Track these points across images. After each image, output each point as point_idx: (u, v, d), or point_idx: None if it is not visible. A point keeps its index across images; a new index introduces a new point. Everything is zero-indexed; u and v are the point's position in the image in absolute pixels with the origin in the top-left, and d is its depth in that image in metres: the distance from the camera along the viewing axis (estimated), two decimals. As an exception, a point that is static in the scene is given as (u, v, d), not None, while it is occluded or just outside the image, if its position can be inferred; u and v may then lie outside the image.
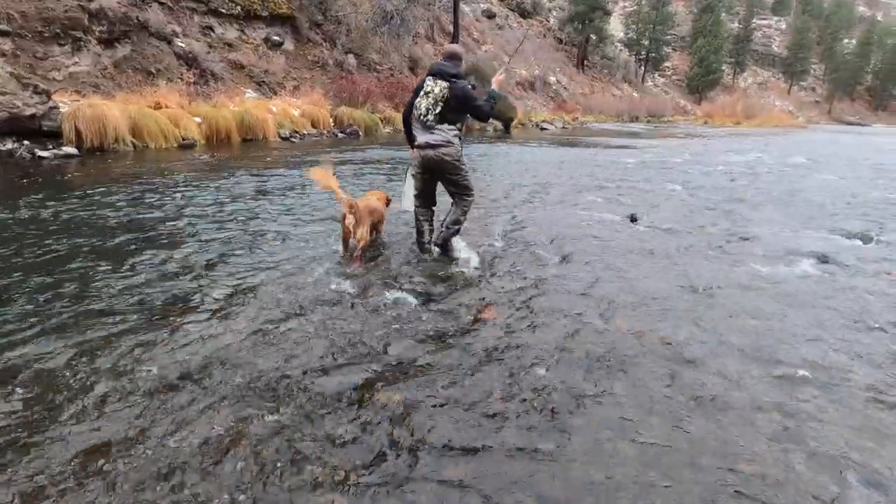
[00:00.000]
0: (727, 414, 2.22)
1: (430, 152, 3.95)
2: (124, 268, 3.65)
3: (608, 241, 4.78)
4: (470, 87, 3.93)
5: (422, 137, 3.97)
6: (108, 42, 12.35)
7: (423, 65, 24.58)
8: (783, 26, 72.43)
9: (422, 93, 3.91)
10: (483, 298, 3.27)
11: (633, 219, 5.76)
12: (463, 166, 4.04)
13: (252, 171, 8.17)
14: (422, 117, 3.92)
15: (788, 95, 63.34)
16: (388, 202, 4.71)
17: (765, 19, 72.48)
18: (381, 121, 18.77)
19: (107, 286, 3.31)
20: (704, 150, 16.75)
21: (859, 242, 5.09)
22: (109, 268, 3.62)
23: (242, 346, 2.60)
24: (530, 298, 3.30)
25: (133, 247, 4.10)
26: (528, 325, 2.93)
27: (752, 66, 65.17)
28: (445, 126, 3.91)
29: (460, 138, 4.05)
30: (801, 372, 2.59)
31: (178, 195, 6.08)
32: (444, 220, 4.17)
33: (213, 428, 1.99)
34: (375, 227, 4.49)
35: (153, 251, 4.02)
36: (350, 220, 4.14)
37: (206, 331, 2.76)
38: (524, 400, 2.24)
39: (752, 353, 2.75)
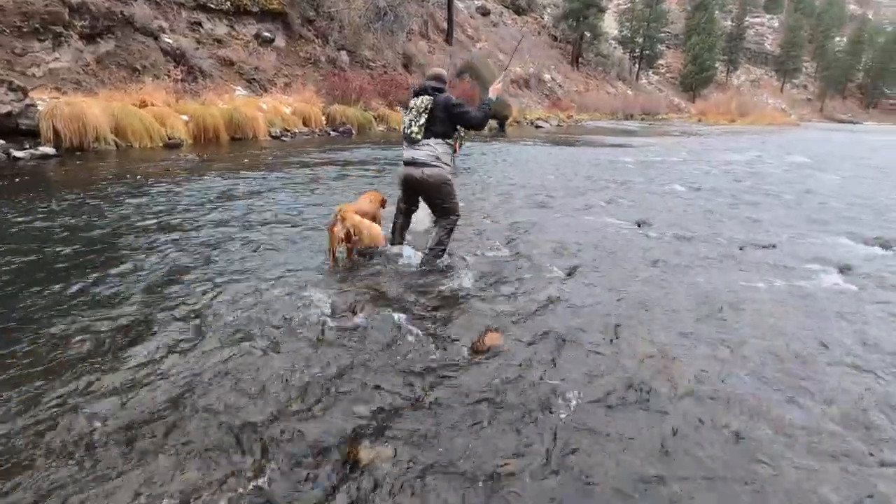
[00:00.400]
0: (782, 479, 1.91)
1: (414, 171, 3.76)
2: (71, 288, 3.22)
3: (616, 250, 4.48)
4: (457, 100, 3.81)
5: (407, 153, 3.81)
6: (90, 37, 11.88)
7: (417, 62, 24.18)
8: (775, 24, 72.56)
9: (407, 110, 3.82)
10: (486, 322, 2.95)
11: (640, 224, 5.47)
12: (449, 187, 3.83)
13: (237, 173, 7.80)
14: (406, 130, 3.80)
15: (781, 93, 63.46)
16: (383, 203, 4.41)
17: (757, 17, 72.58)
18: (375, 118, 18.39)
19: (41, 312, 2.87)
20: (702, 148, 16.52)
21: (879, 249, 4.83)
22: (51, 289, 3.19)
23: (203, 387, 2.24)
24: (537, 321, 2.98)
25: (82, 261, 3.71)
26: (538, 356, 2.60)
27: (744, 64, 65.23)
28: (433, 140, 3.71)
29: (452, 154, 3.83)
30: (873, 416, 2.26)
31: (150, 199, 5.73)
32: (428, 242, 3.89)
33: (166, 499, 1.66)
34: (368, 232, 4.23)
35: (105, 268, 3.60)
36: (339, 228, 3.84)
37: (159, 368, 2.39)
38: (541, 458, 1.90)
39: (799, 390, 2.42)
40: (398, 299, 3.25)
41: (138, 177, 7.04)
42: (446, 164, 3.79)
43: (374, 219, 4.24)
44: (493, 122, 22.77)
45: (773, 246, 4.73)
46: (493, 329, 2.83)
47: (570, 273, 3.81)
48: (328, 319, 2.90)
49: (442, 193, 3.80)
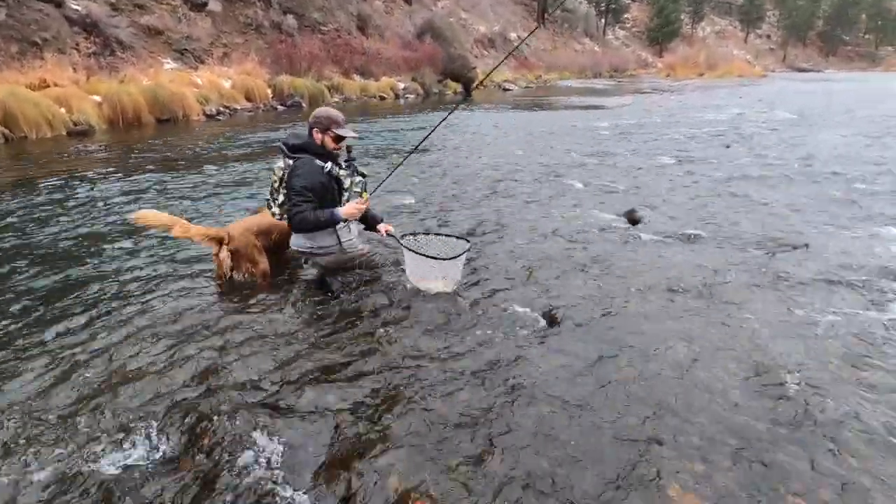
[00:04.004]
0: None
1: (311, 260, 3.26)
2: None
3: (608, 266, 3.40)
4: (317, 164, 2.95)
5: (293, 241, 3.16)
6: (-31, 6, 9.95)
7: (373, 23, 22.23)
8: (740, -28, 71.26)
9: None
10: (410, 488, 1.63)
11: (634, 220, 4.45)
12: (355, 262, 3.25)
13: (147, 168, 6.44)
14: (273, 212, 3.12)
15: (745, 44, 62.80)
16: None
17: (722, -35, 71.03)
18: (329, 89, 16.74)
19: None
20: (679, 107, 15.60)
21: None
22: None
23: None
24: (499, 445, 1.81)
25: None
26: None
27: (709, 15, 64.13)
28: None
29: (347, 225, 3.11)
30: None
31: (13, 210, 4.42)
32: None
33: None
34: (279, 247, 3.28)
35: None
36: (225, 254, 2.94)
37: None
38: None
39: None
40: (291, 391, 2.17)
41: (20, 179, 5.64)
42: (340, 239, 3.10)
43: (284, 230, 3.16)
44: (458, 87, 21.32)
45: (806, 246, 3.74)
46: (417, 497, 1.62)
47: (549, 322, 2.66)
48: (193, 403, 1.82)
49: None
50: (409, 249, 2.92)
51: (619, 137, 9.34)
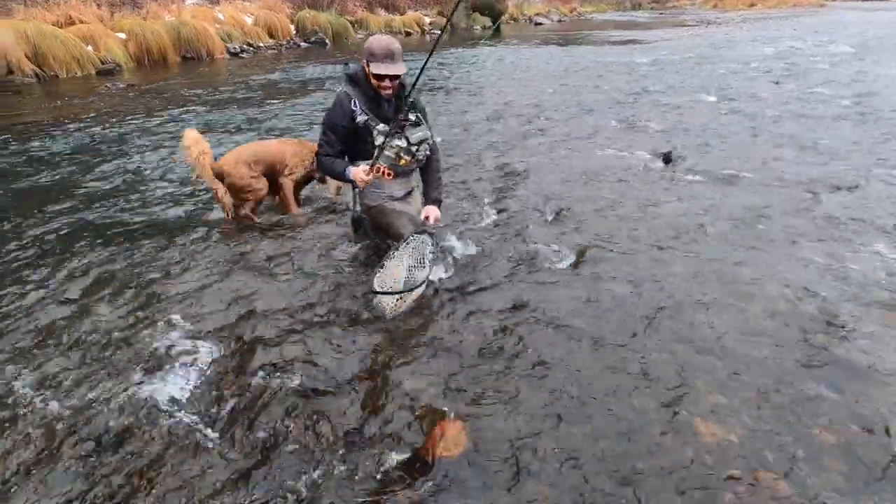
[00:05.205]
0: None
1: None
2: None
3: (640, 206, 3.31)
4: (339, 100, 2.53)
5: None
6: (-9, -62, 9.76)
7: (397, -48, 20.94)
8: None
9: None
10: (440, 413, 1.70)
11: (669, 160, 4.26)
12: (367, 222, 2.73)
13: (170, 108, 6.46)
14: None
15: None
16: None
17: None
18: (352, 24, 16.15)
19: None
20: (726, 40, 14.50)
21: None
22: None
23: None
24: (525, 383, 1.84)
25: None
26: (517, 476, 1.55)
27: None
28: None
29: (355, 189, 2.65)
30: None
31: (52, 150, 4.54)
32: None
33: None
34: (273, 179, 3.18)
35: None
36: (221, 190, 3.05)
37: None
38: None
39: None
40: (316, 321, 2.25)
41: (49, 120, 5.76)
42: (353, 202, 2.72)
43: (280, 161, 3.14)
44: (487, 21, 20.24)
45: (855, 188, 3.53)
46: (448, 421, 1.68)
47: (578, 260, 2.65)
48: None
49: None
50: (388, 293, 2.22)
51: (657, 74, 8.80)
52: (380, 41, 2.41)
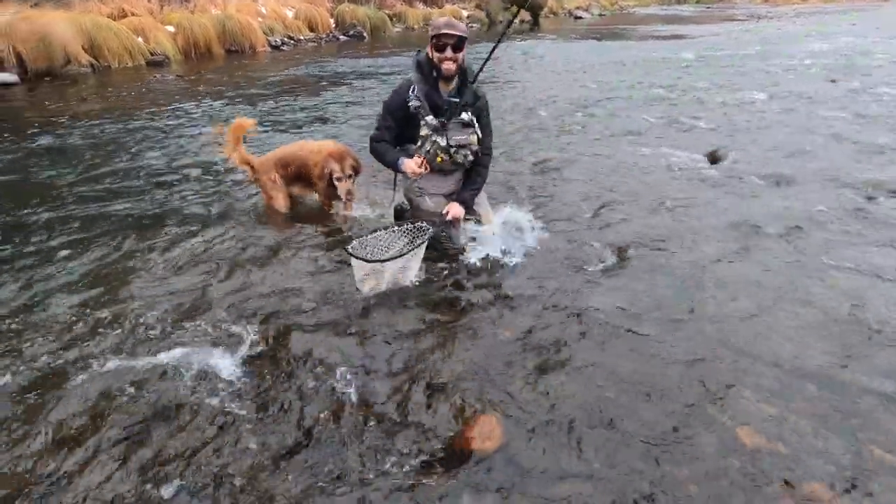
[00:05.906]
0: None
1: None
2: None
3: (684, 206, 3.19)
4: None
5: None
6: (53, -66, 10.25)
7: (437, -55, 20.87)
8: None
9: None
10: (475, 407, 1.70)
11: (715, 159, 4.10)
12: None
13: (216, 98, 6.64)
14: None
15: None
16: (354, 169, 2.90)
17: None
18: (391, 18, 16.23)
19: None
20: (778, 36, 13.85)
21: None
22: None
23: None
24: (558, 383, 1.78)
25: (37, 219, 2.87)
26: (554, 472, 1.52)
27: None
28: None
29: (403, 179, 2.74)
30: None
31: (112, 137, 4.74)
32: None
33: None
34: (304, 182, 3.11)
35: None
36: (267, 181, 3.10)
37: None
38: None
39: None
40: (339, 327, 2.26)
41: (105, 108, 6.02)
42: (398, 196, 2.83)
43: (304, 164, 2.99)
44: (525, 16, 19.96)
45: None
46: (482, 416, 1.66)
47: (616, 264, 2.55)
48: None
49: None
50: (356, 257, 2.20)
51: (703, 70, 8.49)
52: (442, 17, 2.49)
